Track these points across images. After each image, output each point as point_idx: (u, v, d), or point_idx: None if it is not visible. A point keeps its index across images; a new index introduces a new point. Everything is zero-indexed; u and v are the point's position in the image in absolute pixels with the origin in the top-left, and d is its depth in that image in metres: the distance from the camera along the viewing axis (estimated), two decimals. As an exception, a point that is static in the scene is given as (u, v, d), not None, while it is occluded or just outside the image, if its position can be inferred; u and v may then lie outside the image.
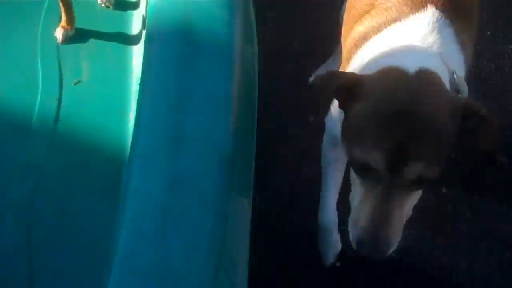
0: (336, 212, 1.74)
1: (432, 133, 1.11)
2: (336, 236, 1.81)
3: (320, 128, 1.62)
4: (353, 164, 1.18)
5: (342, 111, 1.24)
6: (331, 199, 1.72)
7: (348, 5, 1.63)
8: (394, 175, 1.11)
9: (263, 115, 1.59)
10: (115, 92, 1.72)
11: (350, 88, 1.17)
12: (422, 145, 1.09)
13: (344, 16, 1.68)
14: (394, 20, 1.36)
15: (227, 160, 1.15)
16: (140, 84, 1.22)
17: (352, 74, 1.24)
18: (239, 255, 1.24)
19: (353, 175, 1.22)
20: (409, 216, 1.22)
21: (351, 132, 1.18)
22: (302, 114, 2.14)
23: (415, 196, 1.20)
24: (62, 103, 1.71)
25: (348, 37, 1.50)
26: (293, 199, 2.02)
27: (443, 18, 1.35)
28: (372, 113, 1.14)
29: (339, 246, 1.84)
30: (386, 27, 1.36)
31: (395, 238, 1.17)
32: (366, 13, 1.44)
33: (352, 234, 1.20)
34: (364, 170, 1.15)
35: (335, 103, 1.37)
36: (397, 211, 1.15)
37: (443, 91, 1.18)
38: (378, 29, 1.37)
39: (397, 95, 1.14)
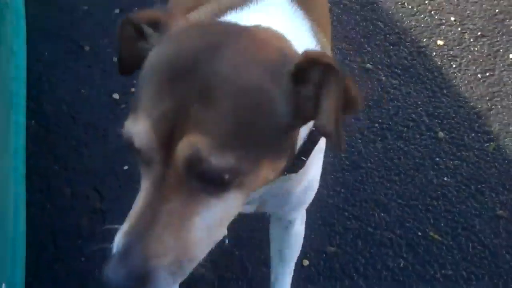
0: None
1: (227, 95, 0.78)
2: None
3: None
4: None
5: None
6: None
7: None
8: (167, 159, 0.78)
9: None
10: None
11: (156, 25, 0.90)
12: (208, 111, 0.76)
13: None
14: (241, 4, 1.09)
15: None
16: None
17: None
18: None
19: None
20: (209, 249, 0.85)
21: (133, 98, 0.84)
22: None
23: (217, 210, 0.82)
24: None
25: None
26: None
27: (296, 6, 1.11)
28: (153, 67, 0.84)
29: None
30: (230, 11, 1.09)
31: (158, 255, 0.77)
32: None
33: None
34: (137, 157, 0.82)
35: None
36: (169, 214, 0.78)
37: (270, 43, 0.87)
38: (216, 14, 1.09)
39: (191, 42, 0.84)
